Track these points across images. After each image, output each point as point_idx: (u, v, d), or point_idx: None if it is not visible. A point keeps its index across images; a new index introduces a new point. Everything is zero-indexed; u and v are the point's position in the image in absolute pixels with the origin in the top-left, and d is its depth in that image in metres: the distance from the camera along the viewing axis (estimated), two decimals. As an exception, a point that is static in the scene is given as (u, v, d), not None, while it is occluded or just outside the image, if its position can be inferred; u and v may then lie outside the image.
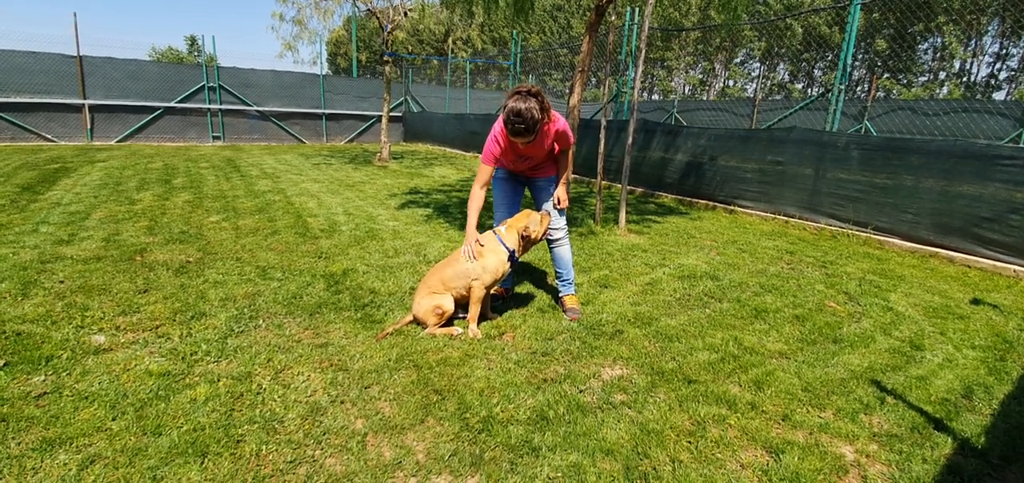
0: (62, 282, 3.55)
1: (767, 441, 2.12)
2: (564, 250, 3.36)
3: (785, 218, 6.58)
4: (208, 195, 6.78)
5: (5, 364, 2.49)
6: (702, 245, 5.25)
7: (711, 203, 7.49)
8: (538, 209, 3.31)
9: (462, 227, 5.60)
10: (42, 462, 1.85)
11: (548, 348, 2.85)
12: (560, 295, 3.44)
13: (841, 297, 3.88)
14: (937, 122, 10.88)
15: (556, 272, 3.43)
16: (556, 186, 3.28)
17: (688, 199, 7.78)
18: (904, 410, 2.39)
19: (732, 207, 7.21)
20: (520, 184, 3.39)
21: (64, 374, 2.42)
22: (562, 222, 3.31)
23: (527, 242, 3.09)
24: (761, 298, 3.76)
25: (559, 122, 2.97)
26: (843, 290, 4.03)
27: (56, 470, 1.81)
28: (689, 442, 2.10)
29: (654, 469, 1.94)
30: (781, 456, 2.02)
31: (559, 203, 3.23)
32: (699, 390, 2.48)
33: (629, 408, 2.33)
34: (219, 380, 2.41)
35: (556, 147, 3.14)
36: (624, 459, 1.99)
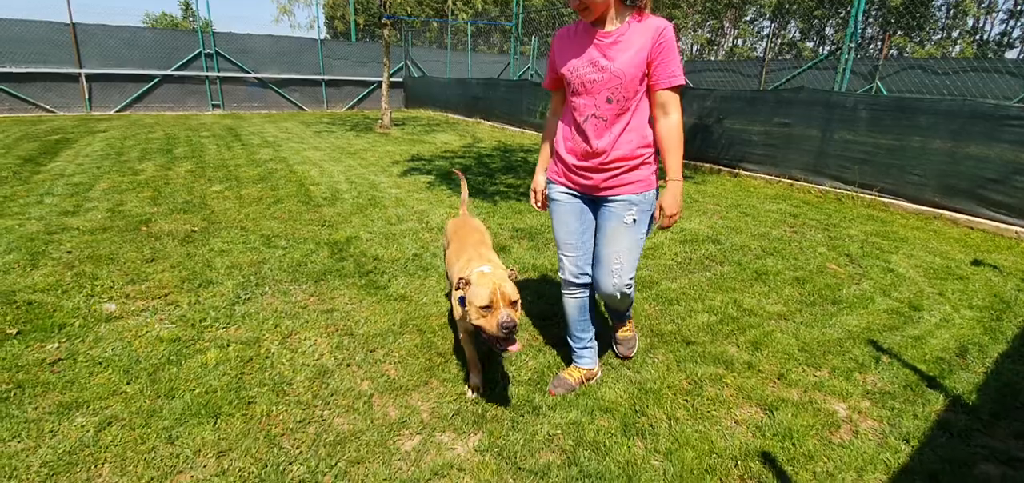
0: (70, 252, 3.60)
1: (762, 399, 2.18)
2: (627, 303, 2.20)
3: (790, 181, 6.53)
4: (210, 165, 6.78)
5: (18, 333, 2.56)
6: (705, 209, 5.24)
7: (716, 166, 7.43)
8: (603, 243, 2.00)
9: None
10: (60, 424, 1.92)
11: (549, 312, 2.89)
12: (611, 324, 2.45)
13: (842, 259, 3.89)
14: (947, 81, 10.65)
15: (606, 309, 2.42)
16: (650, 185, 1.94)
17: (692, 162, 7.71)
18: (898, 369, 2.43)
19: (737, 170, 7.15)
20: (584, 208, 2.05)
21: (77, 341, 2.49)
22: (629, 270, 1.98)
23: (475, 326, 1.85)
24: (762, 261, 3.78)
25: (666, 29, 1.76)
26: (845, 252, 4.04)
27: (74, 432, 1.89)
28: (686, 400, 2.16)
29: (651, 426, 2.00)
30: (775, 413, 2.07)
31: (662, 214, 1.91)
32: (697, 351, 2.53)
33: (627, 369, 2.38)
34: (228, 345, 2.48)
35: (649, 78, 1.82)
36: (622, 416, 2.05)
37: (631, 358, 2.42)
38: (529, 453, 1.85)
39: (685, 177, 6.84)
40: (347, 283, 3.22)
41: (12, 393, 2.09)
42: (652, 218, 1.99)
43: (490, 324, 1.75)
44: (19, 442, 1.83)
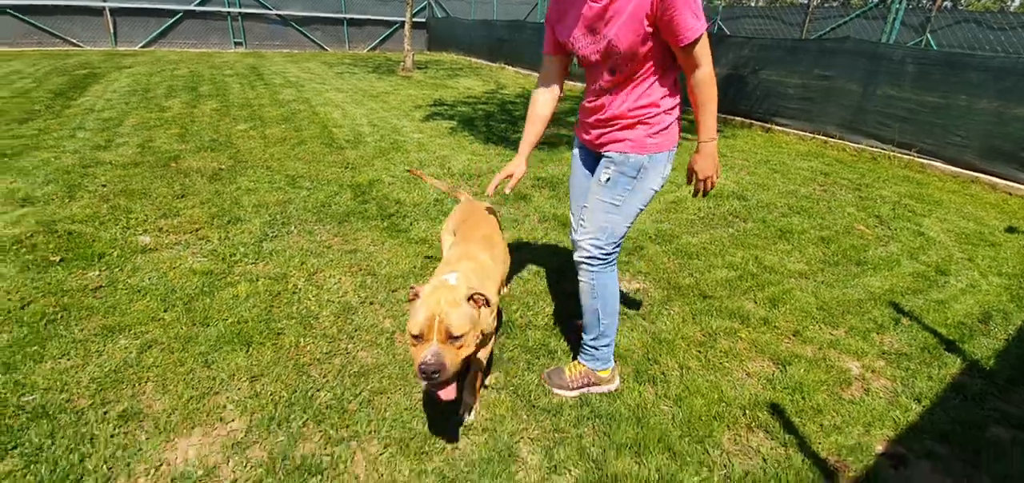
0: (104, 186, 3.73)
1: (775, 354, 2.20)
2: (586, 283, 1.84)
3: (825, 138, 6.29)
4: (234, 103, 6.83)
5: (61, 260, 2.70)
6: (733, 164, 5.12)
7: (747, 120, 7.19)
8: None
9: (487, 140, 5.55)
10: (105, 346, 2.06)
11: (567, 264, 2.92)
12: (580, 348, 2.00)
13: (871, 221, 3.79)
14: (1003, 37, 9.93)
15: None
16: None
17: (723, 115, 7.46)
18: (917, 331, 2.41)
19: (769, 125, 6.91)
20: (590, 167, 1.91)
21: (116, 270, 2.62)
22: (590, 233, 1.76)
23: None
24: (788, 219, 3.71)
25: None
26: (875, 214, 3.93)
27: (118, 353, 2.02)
28: (699, 351, 2.19)
29: (663, 374, 2.04)
30: (787, 367, 2.10)
31: (698, 178, 1.69)
32: (714, 305, 2.54)
33: (643, 319, 2.41)
34: (258, 280, 2.58)
35: (663, 35, 1.51)
36: (635, 363, 2.10)
37: (548, 388, 1.94)
38: (543, 393, 1.92)
39: (712, 130, 6.61)
40: (370, 225, 3.29)
41: (59, 315, 2.23)
42: (638, 189, 1.69)
43: (416, 358, 1.38)
44: (68, 360, 1.97)
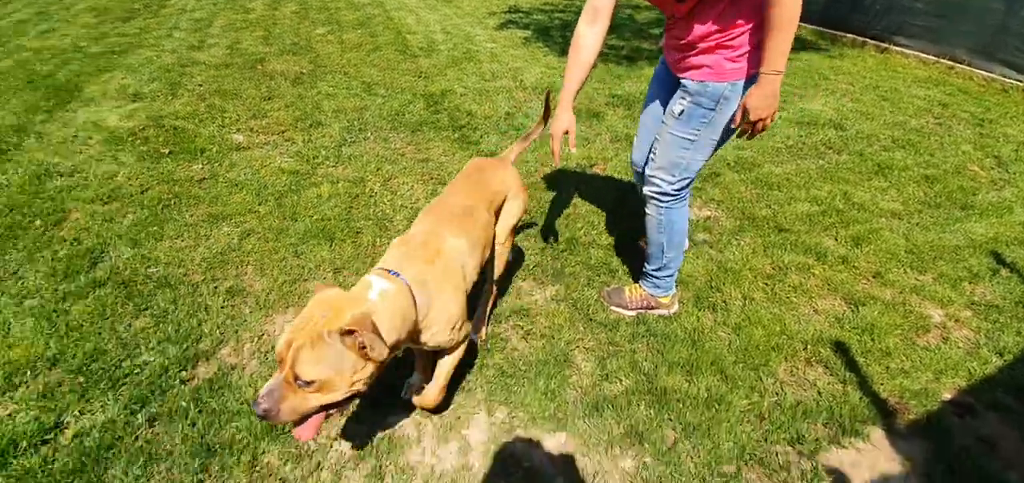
0: (201, 85, 4.03)
1: (849, 293, 2.10)
2: (653, 218, 1.80)
3: (950, 63, 5.46)
4: (313, 6, 6.96)
5: (170, 152, 3.01)
6: (835, 88, 4.62)
7: (860, 38, 6.33)
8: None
9: (562, 52, 5.33)
10: (211, 231, 2.33)
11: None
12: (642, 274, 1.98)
13: (988, 161, 3.36)
14: None
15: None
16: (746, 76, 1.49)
17: (830, 32, 6.63)
18: (1015, 284, 2.19)
19: (886, 45, 6.07)
20: (667, 90, 1.76)
21: (215, 164, 2.90)
22: (661, 170, 1.68)
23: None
24: (889, 154, 3.37)
25: None
26: (994, 154, 3.47)
27: (223, 238, 2.29)
28: (765, 284, 2.14)
29: (724, 302, 2.03)
30: (860, 308, 2.01)
31: (750, 118, 1.43)
32: (789, 239, 2.43)
33: (711, 247, 2.37)
34: (338, 182, 2.76)
35: None
36: (696, 290, 2.09)
37: (607, 306, 1.97)
38: (600, 308, 1.98)
39: (818, 49, 5.95)
40: (441, 135, 3.36)
41: (172, 201, 2.54)
42: (716, 122, 1.53)
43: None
44: (182, 241, 2.27)
